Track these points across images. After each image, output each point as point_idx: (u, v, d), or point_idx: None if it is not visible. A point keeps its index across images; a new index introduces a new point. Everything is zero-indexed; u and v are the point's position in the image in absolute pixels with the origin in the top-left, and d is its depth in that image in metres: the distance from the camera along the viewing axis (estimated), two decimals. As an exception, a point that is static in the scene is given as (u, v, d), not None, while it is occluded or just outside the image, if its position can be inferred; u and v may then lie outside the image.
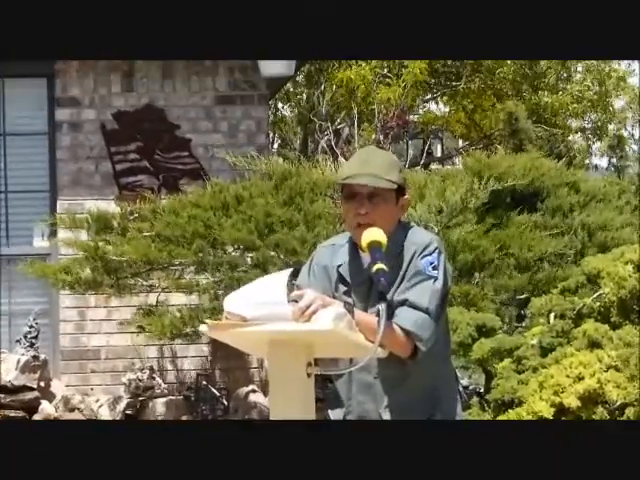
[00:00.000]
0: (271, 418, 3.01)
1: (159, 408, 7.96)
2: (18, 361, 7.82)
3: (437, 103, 17.07)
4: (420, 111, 16.59)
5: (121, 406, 7.88)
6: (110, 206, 7.97)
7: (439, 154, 19.60)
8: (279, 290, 2.87)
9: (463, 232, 6.80)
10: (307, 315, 2.92)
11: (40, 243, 8.50)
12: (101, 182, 8.48)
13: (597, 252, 6.66)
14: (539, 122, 15.18)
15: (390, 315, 3.01)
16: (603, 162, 18.58)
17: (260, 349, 3.05)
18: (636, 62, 16.95)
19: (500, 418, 5.12)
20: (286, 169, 7.29)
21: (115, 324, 8.15)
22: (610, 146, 17.64)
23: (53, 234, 8.19)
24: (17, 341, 8.10)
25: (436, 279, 3.12)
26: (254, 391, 8.09)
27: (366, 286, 3.15)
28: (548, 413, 4.83)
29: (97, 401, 8.00)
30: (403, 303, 3.10)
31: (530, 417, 4.85)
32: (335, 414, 3.29)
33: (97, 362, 8.38)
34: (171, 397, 8.10)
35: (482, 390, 6.03)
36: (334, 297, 3.12)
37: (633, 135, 18.65)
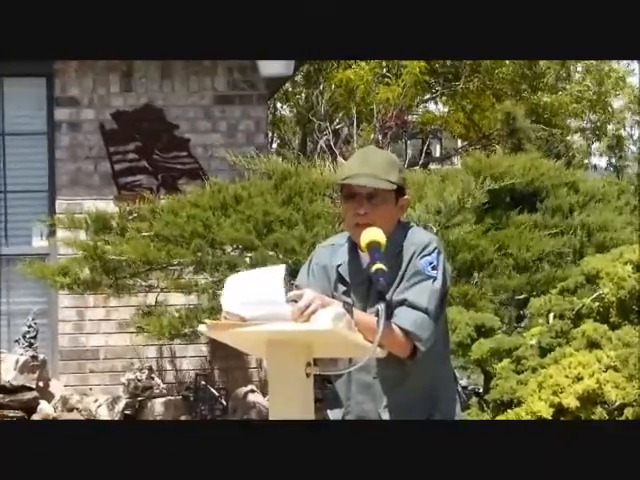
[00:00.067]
0: (270, 418, 3.00)
1: (158, 408, 7.95)
2: (17, 361, 7.82)
3: (436, 103, 17.08)
4: (419, 111, 16.59)
5: (120, 406, 7.88)
6: (109, 206, 7.97)
7: (438, 154, 19.59)
8: (278, 290, 2.87)
9: (462, 232, 6.80)
10: (306, 315, 2.91)
11: (39, 243, 8.50)
12: (100, 182, 8.47)
13: (596, 252, 6.66)
14: (538, 122, 15.19)
15: (389, 315, 3.01)
16: (602, 162, 18.60)
17: (259, 349, 3.05)
18: (635, 62, 16.96)
19: (499, 418, 5.12)
20: (286, 169, 7.29)
21: (114, 324, 8.14)
22: (609, 146, 17.66)
23: (52, 234, 8.18)
24: (16, 341, 8.09)
25: (435, 279, 3.12)
26: (253, 391, 8.09)
27: (365, 286, 3.15)
28: (547, 413, 4.83)
29: (96, 401, 7.99)
30: (402, 303, 3.10)
31: (529, 417, 4.85)
32: (334, 414, 3.29)
33: (96, 362, 8.38)
34: (170, 397, 8.10)
35: (481, 390, 6.03)
36: (333, 297, 3.12)
37: (632, 136, 18.66)
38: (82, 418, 7.88)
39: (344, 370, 3.12)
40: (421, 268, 3.12)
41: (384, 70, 13.54)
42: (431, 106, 17.17)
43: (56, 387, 8.20)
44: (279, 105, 16.96)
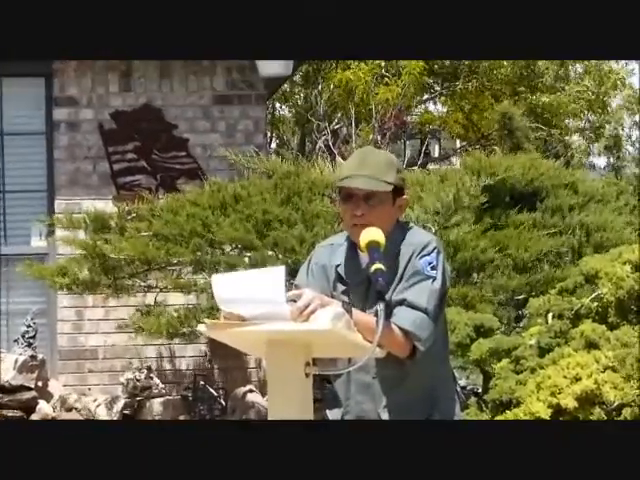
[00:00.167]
0: (269, 418, 3.00)
1: (156, 408, 7.95)
2: (16, 361, 7.82)
3: (435, 103, 17.09)
4: (418, 111, 16.59)
5: (119, 406, 7.87)
6: (108, 206, 7.96)
7: (437, 154, 19.60)
8: (277, 289, 2.87)
9: (461, 232, 6.80)
10: (305, 315, 2.91)
11: (38, 243, 8.50)
12: (99, 182, 8.47)
13: (594, 252, 6.66)
14: (537, 122, 15.20)
15: (388, 315, 3.01)
16: (601, 162, 18.61)
17: (258, 349, 3.05)
18: (634, 62, 16.96)
19: (498, 419, 5.12)
20: (285, 168, 7.29)
21: (113, 324, 8.14)
22: (606, 147, 17.67)
23: (51, 234, 8.18)
24: (15, 341, 8.09)
25: (434, 279, 3.12)
26: (252, 391, 8.09)
27: (364, 286, 3.15)
28: (545, 414, 4.83)
29: (95, 401, 7.99)
30: (401, 303, 3.10)
31: (527, 418, 4.85)
32: (333, 414, 3.29)
33: (95, 362, 8.38)
34: (169, 397, 8.10)
35: (480, 390, 6.03)
36: (332, 297, 3.12)
37: (630, 137, 18.67)
38: (81, 418, 7.88)
39: (343, 370, 3.12)
40: (420, 268, 3.12)
41: (383, 70, 13.54)
42: (430, 106, 17.18)
43: (55, 387, 8.20)
44: (278, 105, 16.96)
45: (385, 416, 3.19)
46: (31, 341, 8.04)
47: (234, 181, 7.49)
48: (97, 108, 8.49)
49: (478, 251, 6.81)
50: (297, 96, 16.55)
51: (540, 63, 15.42)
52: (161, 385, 8.08)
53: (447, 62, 15.08)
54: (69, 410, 7.96)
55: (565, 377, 4.89)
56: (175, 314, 7.17)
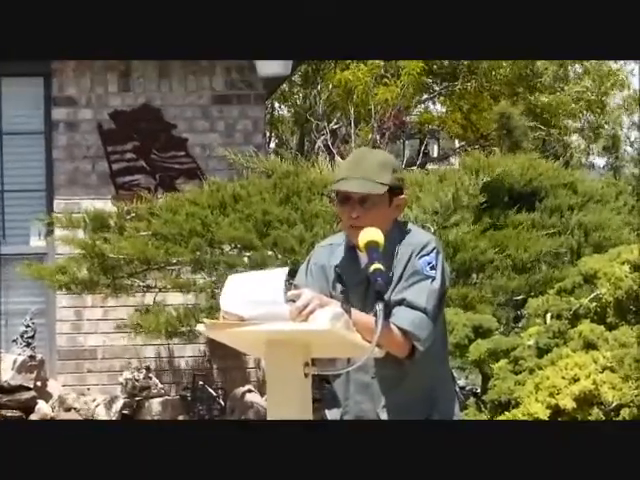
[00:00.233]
0: (268, 418, 3.01)
1: (155, 408, 7.95)
2: (15, 361, 7.82)
3: (434, 103, 17.09)
4: (417, 111, 16.59)
5: (117, 406, 7.87)
6: (107, 206, 7.96)
7: (435, 154, 19.60)
8: (277, 289, 2.87)
9: (460, 232, 6.80)
10: (304, 315, 2.92)
11: (37, 243, 8.49)
12: (98, 182, 8.47)
13: (593, 252, 6.66)
14: (536, 122, 15.20)
15: (387, 315, 3.01)
16: (599, 161, 18.61)
17: (257, 349, 3.05)
18: (633, 63, 16.96)
19: (496, 419, 5.12)
20: (284, 168, 7.29)
21: (112, 324, 8.14)
22: (605, 147, 17.67)
23: (49, 233, 8.18)
24: (14, 341, 8.09)
25: (434, 279, 3.12)
26: (251, 391, 8.09)
27: (363, 286, 3.15)
28: (544, 415, 4.83)
29: (94, 401, 7.99)
30: (401, 303, 3.10)
31: (526, 419, 4.85)
32: (332, 414, 3.29)
33: (94, 362, 8.37)
34: (167, 397, 8.10)
35: (479, 391, 6.03)
36: (331, 297, 3.12)
37: (629, 137, 18.66)
38: (80, 418, 7.88)
39: (342, 370, 3.13)
40: (420, 268, 3.12)
41: (382, 71, 13.54)
42: (429, 106, 17.18)
43: (54, 387, 8.20)
44: (277, 105, 16.96)
45: (384, 416, 3.19)
46: (30, 341, 8.04)
47: (233, 181, 7.50)
48: (96, 108, 8.49)
49: (477, 252, 6.81)
50: (296, 96, 16.55)
51: (539, 63, 15.42)
52: (160, 385, 8.08)
53: (446, 62, 15.08)
54: (68, 410, 7.96)
55: (563, 378, 4.90)
56: (174, 313, 7.17)
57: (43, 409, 7.88)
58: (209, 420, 7.95)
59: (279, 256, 6.74)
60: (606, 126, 17.36)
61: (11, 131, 8.50)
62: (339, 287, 3.21)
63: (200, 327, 3.00)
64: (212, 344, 7.90)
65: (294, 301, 2.93)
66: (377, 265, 2.98)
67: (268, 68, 8.21)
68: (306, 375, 2.93)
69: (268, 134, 15.66)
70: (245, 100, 8.65)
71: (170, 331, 7.14)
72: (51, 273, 7.33)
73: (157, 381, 8.05)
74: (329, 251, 3.27)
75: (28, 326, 8.07)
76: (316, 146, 14.49)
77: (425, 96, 16.28)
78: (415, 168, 12.54)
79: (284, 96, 16.42)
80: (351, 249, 3.21)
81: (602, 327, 5.19)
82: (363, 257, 3.14)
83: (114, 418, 7.81)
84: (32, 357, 7.91)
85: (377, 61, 12.92)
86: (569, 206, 7.47)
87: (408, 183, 6.93)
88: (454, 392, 3.35)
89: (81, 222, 7.36)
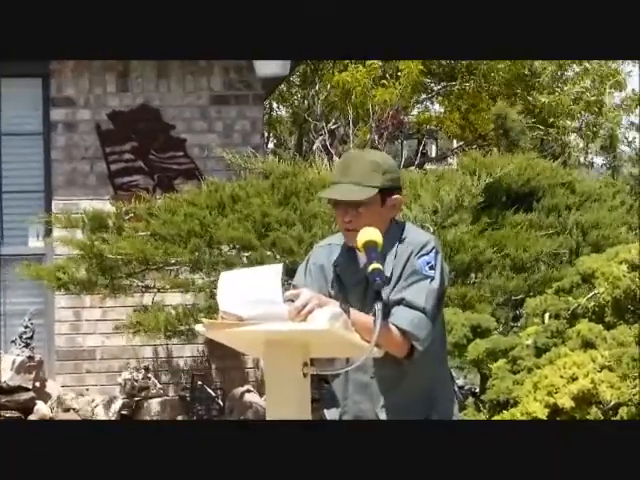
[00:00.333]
0: (267, 418, 3.01)
1: (154, 408, 7.95)
2: (13, 362, 7.81)
3: (432, 103, 17.09)
4: (415, 111, 16.60)
5: (116, 406, 7.88)
6: (105, 206, 7.95)
7: (434, 154, 19.60)
8: (275, 289, 2.87)
9: (459, 232, 6.81)
10: (303, 315, 2.92)
11: (35, 243, 8.49)
12: (96, 182, 8.47)
13: (592, 251, 6.67)
14: (534, 122, 15.20)
15: (386, 314, 3.02)
16: (598, 160, 18.60)
17: (256, 349, 3.05)
18: (630, 64, 16.96)
19: (495, 419, 5.12)
20: (282, 168, 7.29)
21: (110, 324, 8.14)
22: (603, 146, 17.66)
23: (48, 234, 8.18)
24: (12, 341, 8.09)
25: (433, 279, 3.12)
26: (249, 391, 8.09)
27: (362, 286, 3.15)
28: (542, 414, 4.83)
29: (92, 401, 7.99)
30: (399, 302, 3.10)
31: (524, 418, 4.85)
32: (331, 414, 3.29)
33: (92, 362, 8.37)
34: (166, 397, 8.10)
35: (477, 390, 6.04)
36: (330, 297, 3.12)
37: (627, 137, 18.67)
38: (79, 418, 7.87)
39: (341, 370, 3.13)
40: (419, 268, 3.12)
41: (380, 71, 13.54)
42: (429, 105, 17.17)
43: (53, 387, 8.20)
44: (275, 105, 16.96)
45: (383, 416, 3.19)
46: (29, 342, 8.03)
47: (231, 181, 7.50)
48: (94, 108, 8.49)
49: (476, 251, 6.82)
50: (294, 96, 16.55)
51: (537, 63, 15.42)
52: (159, 385, 8.08)
53: (444, 62, 15.08)
54: (67, 410, 7.96)
55: (562, 377, 4.90)
56: (173, 312, 7.17)
57: (42, 410, 7.88)
58: (208, 420, 7.95)
59: (277, 257, 6.74)
60: (604, 125, 17.36)
61: (9, 132, 8.50)
62: (338, 287, 3.21)
63: (199, 327, 3.01)
64: (211, 344, 7.90)
65: (293, 301, 2.94)
66: (376, 265, 2.98)
67: (266, 68, 8.22)
68: (305, 375, 2.93)
69: (266, 134, 15.66)
70: (243, 100, 8.66)
71: (169, 330, 7.14)
72: (50, 273, 7.33)
73: (156, 381, 8.06)
74: (328, 251, 3.28)
75: (27, 327, 8.07)
76: (314, 146, 14.48)
77: (423, 96, 16.28)
78: (413, 168, 12.54)
79: (282, 96, 16.41)
80: (350, 249, 3.21)
81: (600, 326, 5.20)
82: (362, 257, 3.14)
83: (113, 418, 7.81)
84: (31, 358, 7.91)
85: (375, 63, 12.92)
86: (567, 205, 7.48)
87: (407, 183, 6.94)
88: (453, 392, 3.35)
89: (79, 222, 7.36)
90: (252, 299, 2.89)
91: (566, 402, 4.82)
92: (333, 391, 3.29)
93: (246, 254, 6.98)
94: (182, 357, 8.44)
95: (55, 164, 8.45)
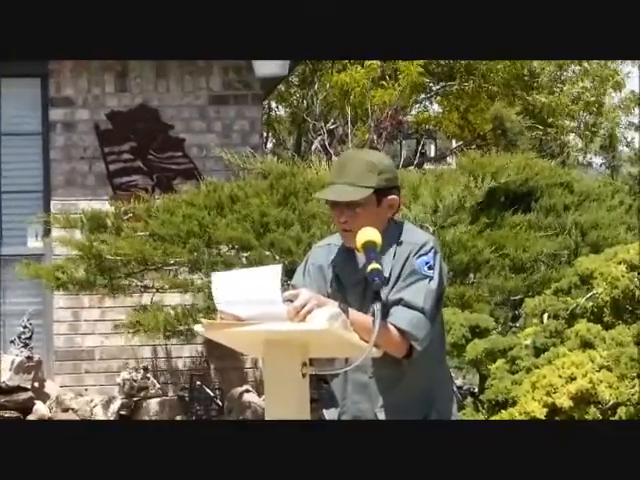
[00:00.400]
0: (266, 418, 3.01)
1: (153, 408, 7.96)
2: (12, 362, 7.82)
3: (431, 103, 17.09)
4: (414, 111, 16.60)
5: (115, 406, 7.88)
6: (104, 206, 7.96)
7: (432, 154, 19.61)
8: (274, 289, 2.88)
9: (458, 232, 6.81)
10: (302, 315, 2.92)
11: (34, 243, 8.49)
12: (95, 182, 8.47)
13: (590, 252, 6.67)
14: (534, 122, 15.21)
15: (385, 314, 3.02)
16: (597, 160, 18.61)
17: (255, 349, 3.06)
18: (630, 64, 16.97)
19: (493, 418, 5.13)
20: (281, 168, 7.30)
21: (109, 324, 8.14)
22: (602, 146, 17.67)
23: (47, 234, 8.18)
24: (11, 342, 8.09)
25: (432, 279, 3.12)
26: (248, 391, 8.09)
27: (361, 286, 3.15)
28: (540, 413, 4.84)
29: (91, 401, 8.00)
30: (398, 302, 3.10)
31: (522, 418, 4.86)
32: (330, 414, 3.29)
33: (91, 362, 8.37)
34: (165, 397, 8.10)
35: (476, 390, 6.04)
36: (329, 297, 3.12)
37: (626, 138, 18.67)
38: (77, 418, 7.87)
39: (340, 370, 3.13)
40: (417, 268, 3.12)
41: (379, 71, 13.54)
42: (428, 104, 17.18)
43: (51, 387, 8.20)
44: (274, 105, 16.96)
45: (382, 416, 3.19)
46: (27, 342, 8.04)
47: (230, 181, 7.50)
48: (93, 108, 8.49)
49: (475, 251, 6.82)
50: (293, 96, 16.55)
51: (535, 63, 15.43)
52: (158, 385, 8.08)
53: (443, 62, 15.09)
54: (65, 411, 7.96)
55: (560, 377, 4.90)
56: (172, 312, 7.17)
57: (41, 410, 7.88)
58: (207, 420, 7.95)
59: (276, 257, 6.74)
60: (603, 125, 17.37)
61: (8, 132, 8.50)
62: (337, 287, 3.21)
63: (198, 327, 3.01)
64: (209, 344, 7.90)
65: (292, 301, 2.94)
66: (375, 265, 2.98)
67: (265, 68, 8.22)
68: (304, 375, 2.93)
69: (265, 134, 15.66)
70: (242, 100, 8.66)
71: (168, 330, 7.14)
72: (49, 273, 7.33)
73: (155, 381, 8.06)
74: (327, 251, 3.28)
75: (26, 327, 8.07)
76: (313, 146, 14.49)
77: (422, 96, 16.28)
78: (412, 168, 12.54)
79: (281, 96, 16.41)
80: (349, 249, 3.21)
81: (599, 326, 5.20)
82: (361, 257, 3.14)
83: (112, 418, 7.81)
84: (29, 358, 7.91)
85: (374, 63, 12.92)
86: (565, 205, 7.48)
87: (406, 183, 6.94)
88: (452, 392, 3.35)
89: (78, 223, 7.36)
90: (251, 299, 2.89)
91: (565, 402, 4.82)
92: (332, 391, 3.29)
93: (245, 254, 6.99)
94: (181, 357, 8.44)
95: (54, 164, 8.45)
